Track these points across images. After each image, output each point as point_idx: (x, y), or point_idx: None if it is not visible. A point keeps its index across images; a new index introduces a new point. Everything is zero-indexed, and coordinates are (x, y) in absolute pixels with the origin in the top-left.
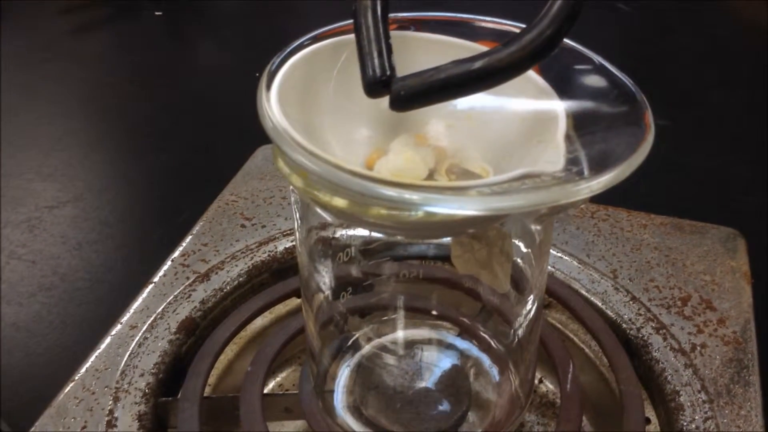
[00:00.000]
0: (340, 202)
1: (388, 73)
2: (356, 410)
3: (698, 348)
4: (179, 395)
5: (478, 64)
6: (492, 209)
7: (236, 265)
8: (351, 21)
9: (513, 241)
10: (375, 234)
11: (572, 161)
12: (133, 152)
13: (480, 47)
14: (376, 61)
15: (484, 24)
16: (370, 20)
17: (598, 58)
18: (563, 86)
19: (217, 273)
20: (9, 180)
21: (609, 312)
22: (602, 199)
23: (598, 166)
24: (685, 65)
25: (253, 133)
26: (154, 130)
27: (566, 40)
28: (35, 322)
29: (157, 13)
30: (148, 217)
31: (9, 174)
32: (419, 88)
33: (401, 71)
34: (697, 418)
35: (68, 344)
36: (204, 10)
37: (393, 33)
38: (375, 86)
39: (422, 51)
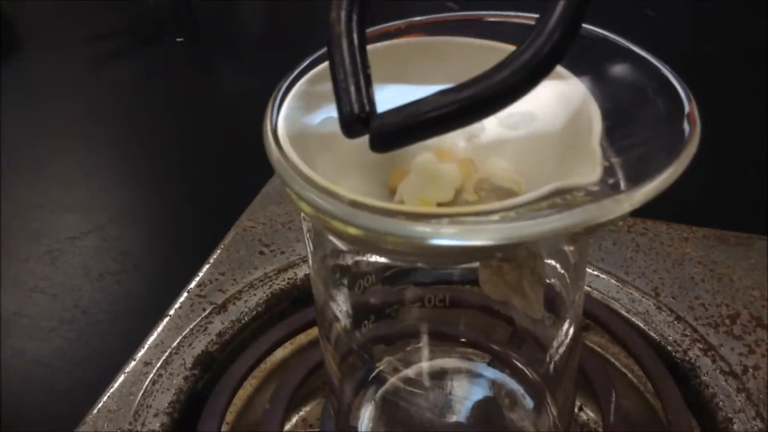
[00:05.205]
0: (355, 230)
1: (367, 109)
2: None
3: (750, 370)
4: None
5: (466, 94)
6: (521, 237)
7: (254, 294)
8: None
9: (545, 261)
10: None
11: (607, 171)
12: (155, 181)
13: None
14: (353, 96)
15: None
16: (346, 51)
17: (631, 46)
18: (594, 81)
19: (234, 303)
20: (32, 212)
21: (652, 333)
22: (637, 210)
23: (637, 174)
24: (720, 72)
25: None
26: (177, 158)
27: (595, 29)
28: (57, 357)
29: (178, 40)
30: (171, 246)
31: (31, 205)
32: (400, 125)
33: (443, 80)
34: None
35: (90, 380)
36: (224, 36)
37: (424, 40)
38: (353, 125)
39: (460, 56)
